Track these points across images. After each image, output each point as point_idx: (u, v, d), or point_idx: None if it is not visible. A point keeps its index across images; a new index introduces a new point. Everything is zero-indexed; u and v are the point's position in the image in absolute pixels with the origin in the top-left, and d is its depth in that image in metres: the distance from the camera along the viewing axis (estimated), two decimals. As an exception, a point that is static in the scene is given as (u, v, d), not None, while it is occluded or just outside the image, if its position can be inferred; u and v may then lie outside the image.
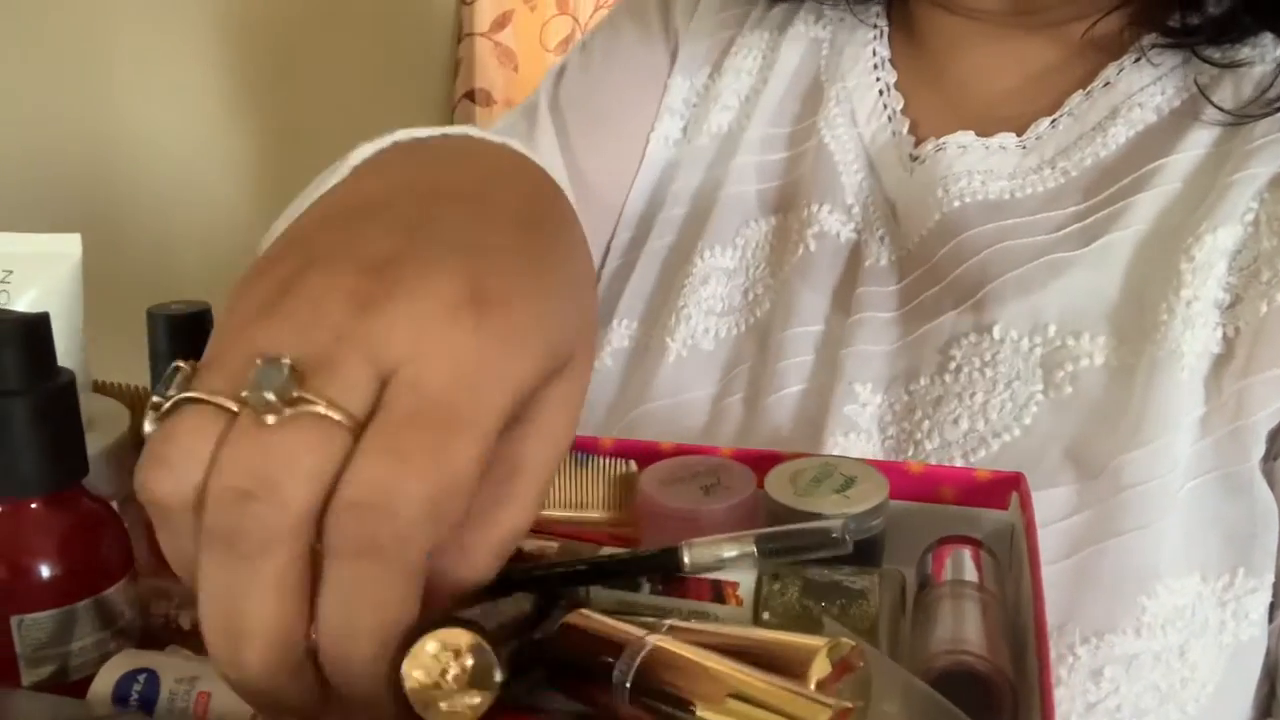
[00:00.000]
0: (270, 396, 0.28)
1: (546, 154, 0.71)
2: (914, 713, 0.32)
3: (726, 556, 0.38)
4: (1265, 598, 0.53)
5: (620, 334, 0.68)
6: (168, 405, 0.30)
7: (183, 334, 0.44)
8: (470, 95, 1.61)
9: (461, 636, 0.30)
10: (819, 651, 0.31)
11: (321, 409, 0.29)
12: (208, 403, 0.30)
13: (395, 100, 1.57)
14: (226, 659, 0.30)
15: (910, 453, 0.57)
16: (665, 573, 0.39)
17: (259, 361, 0.29)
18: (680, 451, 0.49)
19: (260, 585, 0.29)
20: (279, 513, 0.28)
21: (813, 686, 0.30)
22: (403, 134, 0.41)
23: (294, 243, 0.33)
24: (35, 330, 0.38)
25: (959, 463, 0.56)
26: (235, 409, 0.29)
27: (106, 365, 0.54)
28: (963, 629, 0.36)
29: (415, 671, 0.30)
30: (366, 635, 0.30)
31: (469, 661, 0.30)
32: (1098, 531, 0.52)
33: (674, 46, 0.73)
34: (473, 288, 0.31)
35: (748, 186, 0.68)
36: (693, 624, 0.35)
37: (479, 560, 0.34)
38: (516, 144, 0.41)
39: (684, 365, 0.64)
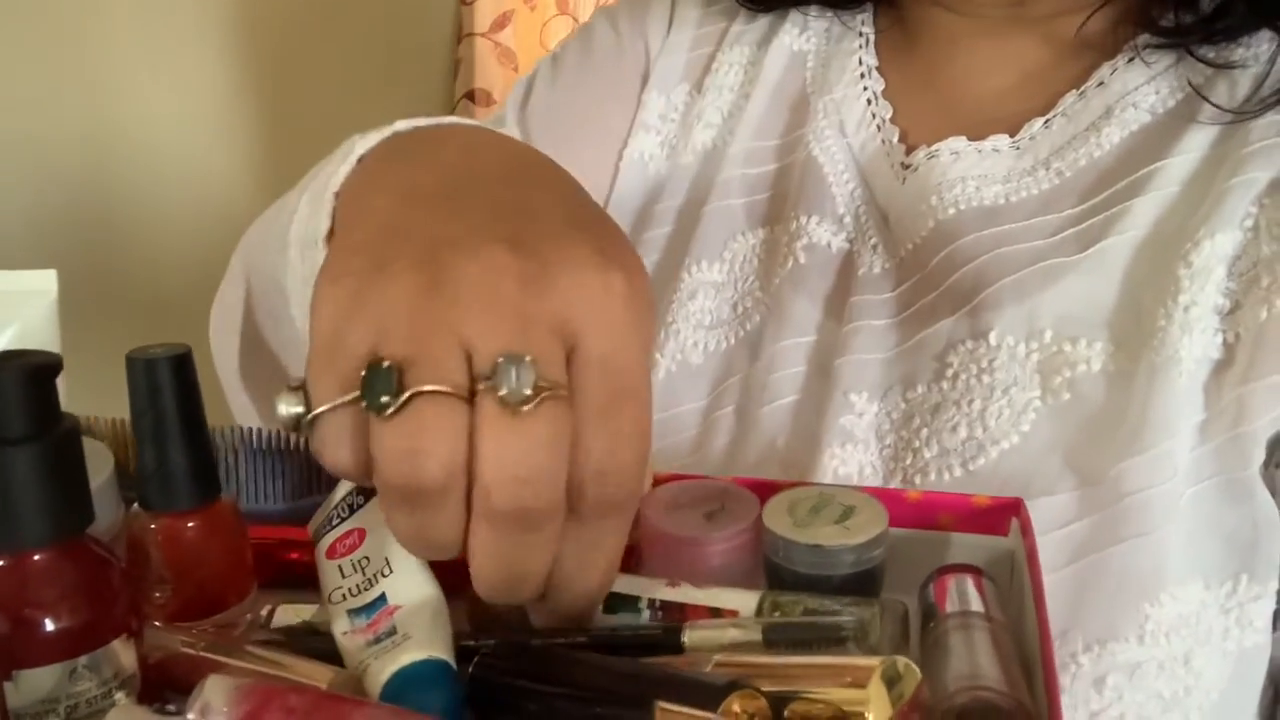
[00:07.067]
0: (526, 391, 0.33)
1: None
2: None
3: (728, 642, 0.39)
4: (1269, 605, 0.53)
5: None
6: (403, 400, 0.33)
7: (164, 377, 0.41)
8: (470, 95, 1.61)
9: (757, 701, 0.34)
10: (874, 670, 0.33)
11: (562, 393, 0.34)
12: (445, 394, 0.33)
13: (395, 100, 1.56)
14: (506, 597, 0.37)
15: (909, 461, 0.57)
16: (666, 651, 0.40)
17: (500, 359, 0.33)
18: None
19: (541, 546, 0.35)
20: (553, 491, 0.34)
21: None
22: (402, 124, 0.45)
23: (388, 231, 0.37)
24: (41, 375, 0.36)
25: (958, 471, 0.55)
26: (466, 397, 0.34)
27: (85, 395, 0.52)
28: (978, 662, 0.36)
29: None
30: (601, 572, 0.38)
31: None
32: (1099, 539, 0.52)
33: (646, 62, 0.72)
34: (600, 254, 0.36)
35: (734, 200, 0.67)
36: (739, 657, 0.37)
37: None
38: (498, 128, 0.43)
39: (673, 379, 0.64)
